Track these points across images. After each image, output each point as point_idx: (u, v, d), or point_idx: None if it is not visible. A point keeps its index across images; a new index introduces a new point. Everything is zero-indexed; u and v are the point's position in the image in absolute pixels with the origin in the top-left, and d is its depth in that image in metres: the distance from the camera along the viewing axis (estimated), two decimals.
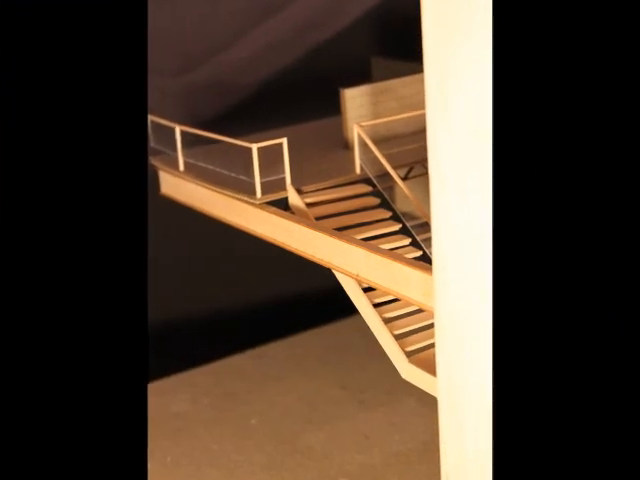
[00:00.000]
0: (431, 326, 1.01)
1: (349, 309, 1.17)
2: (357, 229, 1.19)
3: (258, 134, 1.38)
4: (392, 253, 1.08)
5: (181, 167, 1.38)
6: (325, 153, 1.39)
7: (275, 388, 1.62)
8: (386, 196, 1.25)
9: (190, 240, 1.79)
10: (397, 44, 1.66)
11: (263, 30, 1.74)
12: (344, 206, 1.24)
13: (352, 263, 1.11)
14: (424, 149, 0.91)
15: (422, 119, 0.91)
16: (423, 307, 1.04)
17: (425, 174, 0.93)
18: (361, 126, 1.25)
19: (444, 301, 0.92)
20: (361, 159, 1.26)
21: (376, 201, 1.26)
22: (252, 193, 1.24)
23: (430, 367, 1.01)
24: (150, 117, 1.39)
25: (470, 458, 0.94)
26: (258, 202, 1.24)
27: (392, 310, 1.11)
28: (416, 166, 1.29)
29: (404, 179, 1.25)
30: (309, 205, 1.23)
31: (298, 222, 1.19)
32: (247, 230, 1.29)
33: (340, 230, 1.17)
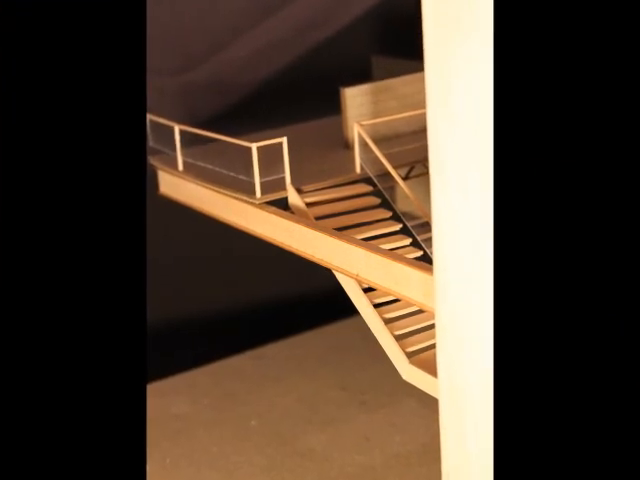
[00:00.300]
0: (432, 327, 1.00)
1: (349, 309, 1.17)
2: (357, 229, 1.18)
3: (258, 133, 1.37)
4: (392, 253, 1.08)
5: (180, 167, 1.38)
6: (325, 152, 1.38)
7: (275, 389, 1.62)
8: (386, 196, 1.25)
9: (189, 240, 1.79)
10: (398, 43, 1.65)
11: (263, 29, 1.73)
12: (344, 206, 1.24)
13: (352, 263, 1.10)
14: (425, 148, 0.91)
15: (423, 118, 0.91)
16: (424, 307, 1.03)
17: (426, 174, 0.93)
18: (361, 125, 1.24)
19: (445, 301, 0.91)
20: (361, 158, 1.25)
21: (376, 201, 1.25)
22: (252, 193, 1.23)
23: (431, 368, 1.01)
24: (149, 116, 1.39)
25: (471, 459, 0.93)
26: (258, 202, 1.23)
27: (392, 311, 1.10)
28: (417, 166, 1.29)
29: (405, 179, 1.24)
30: (309, 205, 1.22)
31: (298, 222, 1.19)
32: (247, 230, 1.29)
33: (340, 230, 1.16)
